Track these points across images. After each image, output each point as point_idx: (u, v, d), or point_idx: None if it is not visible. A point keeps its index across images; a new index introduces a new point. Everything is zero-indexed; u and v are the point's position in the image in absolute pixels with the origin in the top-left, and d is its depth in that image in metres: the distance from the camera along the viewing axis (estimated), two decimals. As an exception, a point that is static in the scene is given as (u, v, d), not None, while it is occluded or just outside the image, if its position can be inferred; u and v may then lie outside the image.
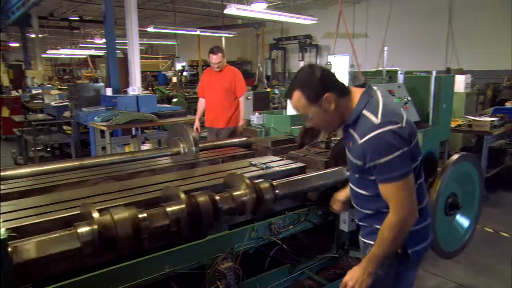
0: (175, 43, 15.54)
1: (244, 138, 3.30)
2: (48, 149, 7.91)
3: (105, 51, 8.21)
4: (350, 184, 1.84)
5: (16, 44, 17.18)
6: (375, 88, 1.71)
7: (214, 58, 4.65)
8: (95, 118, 5.54)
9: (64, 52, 20.37)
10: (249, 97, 5.29)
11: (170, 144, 3.04)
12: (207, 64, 18.68)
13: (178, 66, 13.46)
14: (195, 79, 16.97)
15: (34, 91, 10.52)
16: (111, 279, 1.70)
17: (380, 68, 7.35)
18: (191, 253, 1.95)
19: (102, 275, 1.67)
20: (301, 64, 15.25)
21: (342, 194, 2.15)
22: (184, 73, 14.26)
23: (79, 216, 1.65)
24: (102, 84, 7.39)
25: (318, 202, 2.46)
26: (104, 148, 5.65)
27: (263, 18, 11.17)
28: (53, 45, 21.61)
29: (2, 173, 2.32)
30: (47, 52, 20.15)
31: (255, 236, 2.20)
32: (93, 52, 19.19)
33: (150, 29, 9.98)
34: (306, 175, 2.32)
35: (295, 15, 9.66)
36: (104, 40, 14.49)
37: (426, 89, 2.83)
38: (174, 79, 12.19)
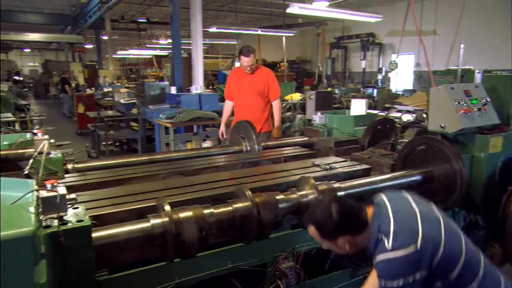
0: (236, 42, 15.81)
1: (306, 138, 3.27)
2: (117, 144, 8.44)
3: (170, 51, 8.56)
4: None
5: (90, 46, 18.52)
6: (383, 199, 1.64)
7: (246, 61, 4.12)
8: (160, 115, 5.79)
9: (132, 53, 21.57)
10: (311, 97, 5.18)
11: (233, 142, 3.10)
12: (266, 64, 18.81)
13: (237, 65, 13.67)
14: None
15: (105, 89, 11.25)
16: (177, 271, 1.77)
17: (451, 67, 6.92)
18: (253, 250, 1.97)
19: (169, 266, 1.74)
20: (363, 63, 14.84)
21: None
22: (243, 73, 14.47)
23: (152, 208, 1.73)
24: (167, 82, 7.71)
25: (384, 206, 2.38)
26: (167, 144, 5.89)
27: (325, 16, 10.99)
28: (122, 46, 22.99)
29: (80, 165, 2.51)
30: (117, 52, 21.48)
31: (317, 237, 2.18)
32: (158, 52, 20.13)
33: (213, 29, 10.25)
34: (371, 178, 2.25)
35: (358, 12, 9.39)
36: (168, 40, 15.16)
37: (508, 89, 2.60)
38: (234, 78, 12.38)
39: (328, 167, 2.41)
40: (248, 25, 16.87)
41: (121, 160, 2.68)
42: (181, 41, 7.56)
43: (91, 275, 1.38)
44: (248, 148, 2.95)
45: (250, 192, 1.78)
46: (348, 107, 4.04)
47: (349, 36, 16.23)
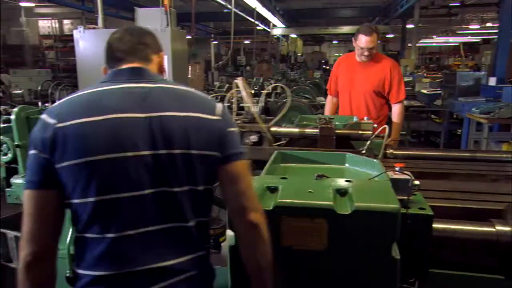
0: None
1: None
2: (414, 135, 8.29)
3: (484, 37, 7.46)
4: None
5: (391, 35, 18.79)
6: None
7: (367, 41, 3.05)
8: (473, 109, 5.26)
9: (436, 41, 20.43)
10: None
11: None
12: None
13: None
14: None
15: (405, 79, 11.12)
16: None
17: None
18: None
19: (495, 280, 1.52)
20: None
21: None
22: None
23: (490, 211, 1.55)
24: (483, 73, 6.85)
25: None
26: (476, 142, 5.31)
27: None
28: (424, 34, 22.10)
29: (398, 152, 2.54)
30: (420, 41, 20.81)
31: None
32: (468, 39, 18.21)
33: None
34: None
35: None
36: (488, 24, 13.39)
37: None
38: None
39: None
40: None
41: (438, 153, 2.57)
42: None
43: (425, 266, 1.37)
44: None
45: None
46: None
47: None
